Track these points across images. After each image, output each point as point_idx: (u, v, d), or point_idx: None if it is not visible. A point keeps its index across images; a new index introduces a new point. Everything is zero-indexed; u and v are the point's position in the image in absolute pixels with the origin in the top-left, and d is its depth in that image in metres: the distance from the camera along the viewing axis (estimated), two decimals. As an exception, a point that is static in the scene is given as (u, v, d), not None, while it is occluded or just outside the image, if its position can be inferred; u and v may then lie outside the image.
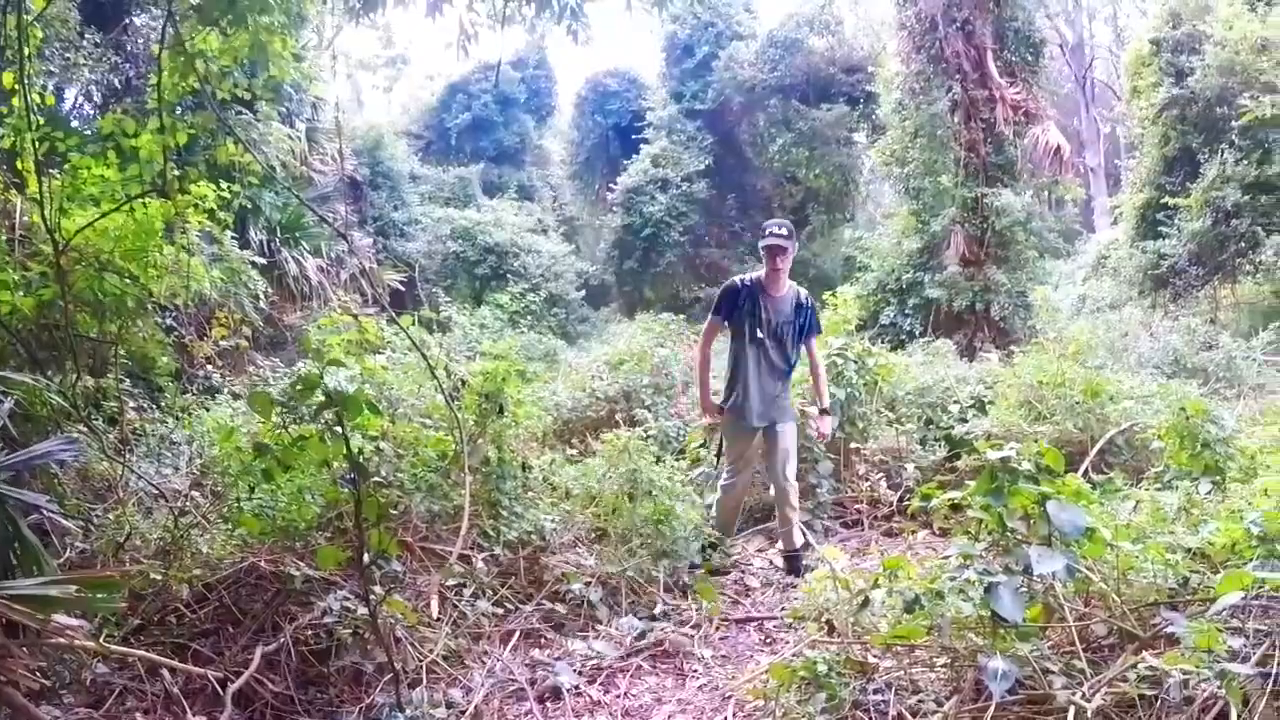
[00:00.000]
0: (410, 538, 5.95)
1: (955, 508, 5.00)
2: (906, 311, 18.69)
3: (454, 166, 32.06)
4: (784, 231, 7.20)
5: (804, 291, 7.47)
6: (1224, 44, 18.83)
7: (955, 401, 9.61)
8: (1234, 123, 18.65)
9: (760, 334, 7.18)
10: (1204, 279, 19.53)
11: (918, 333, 17.74)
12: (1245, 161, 18.82)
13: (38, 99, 7.01)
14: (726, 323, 7.36)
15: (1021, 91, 18.93)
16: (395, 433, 6.22)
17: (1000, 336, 16.76)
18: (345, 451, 4.33)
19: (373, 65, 46.04)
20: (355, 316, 7.11)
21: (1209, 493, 6.02)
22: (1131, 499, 5.82)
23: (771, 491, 7.63)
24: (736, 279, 7.46)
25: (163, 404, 8.24)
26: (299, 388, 4.28)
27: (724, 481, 7.47)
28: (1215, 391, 11.65)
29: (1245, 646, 3.60)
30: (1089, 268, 25.16)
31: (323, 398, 4.25)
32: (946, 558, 4.49)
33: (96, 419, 6.66)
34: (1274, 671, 3.49)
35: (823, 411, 7.70)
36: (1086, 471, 7.76)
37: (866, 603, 4.84)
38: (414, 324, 7.49)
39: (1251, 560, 4.20)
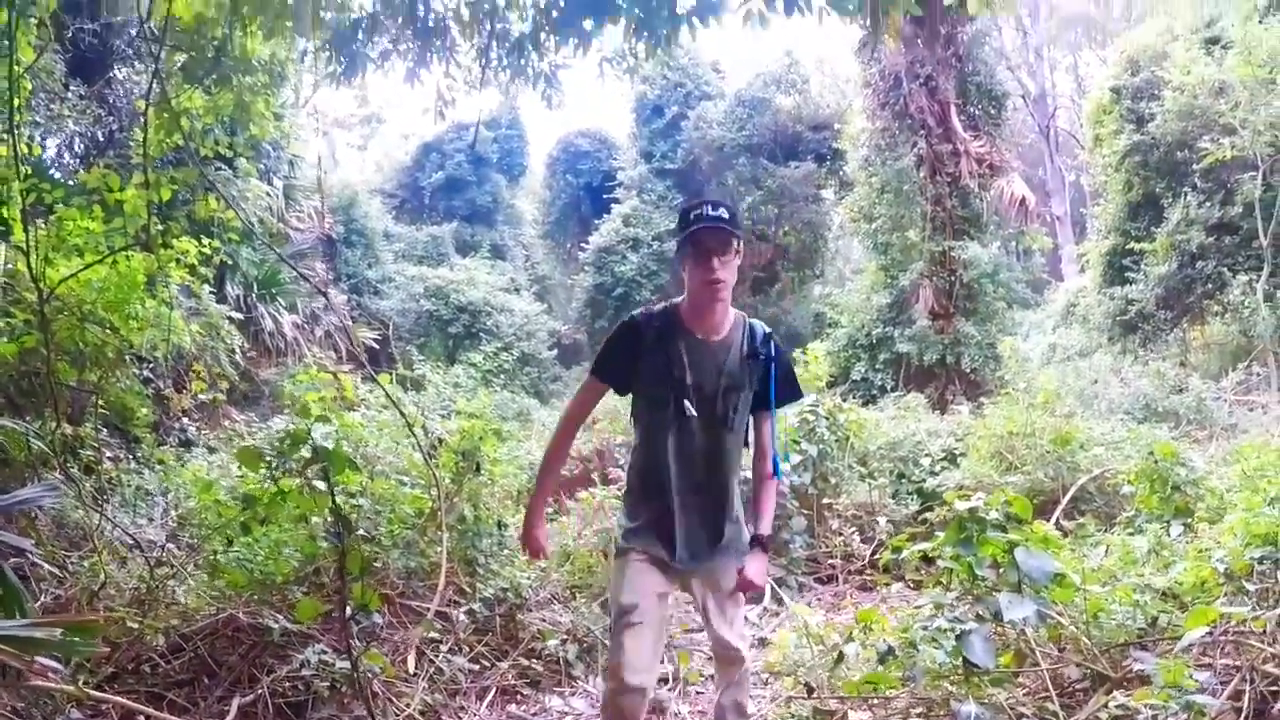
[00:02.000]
0: (388, 593, 5.96)
1: (927, 560, 5.08)
2: (877, 367, 18.85)
3: (427, 225, 32.20)
4: (725, 214, 3.90)
5: (761, 325, 4.18)
6: (1182, 89, 19.03)
7: (926, 455, 9.73)
8: (1195, 166, 18.80)
9: (688, 408, 3.97)
10: (1173, 322, 19.64)
11: (889, 387, 17.89)
12: (1208, 203, 18.98)
13: (25, 149, 7.11)
14: (628, 388, 4.14)
15: (985, 144, 19.23)
16: (373, 489, 6.25)
17: (971, 389, 16.92)
18: (330, 505, 4.38)
19: (348, 123, 46.25)
20: (334, 374, 7.16)
21: (1180, 535, 6.10)
22: (1102, 544, 5.90)
23: (714, 670, 4.54)
24: (638, 313, 4.15)
25: (139, 455, 8.26)
26: (287, 442, 4.35)
27: (608, 660, 4.02)
28: (1187, 434, 11.75)
29: (1214, 681, 3.68)
30: (1058, 316, 25.25)
31: (309, 453, 4.31)
32: (919, 608, 4.55)
33: (72, 467, 6.69)
34: (1245, 706, 3.57)
35: (756, 541, 4.12)
36: (1058, 520, 7.85)
37: (841, 657, 4.89)
38: (391, 381, 7.54)
39: (1219, 598, 4.30)
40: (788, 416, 8.91)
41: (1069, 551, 4.91)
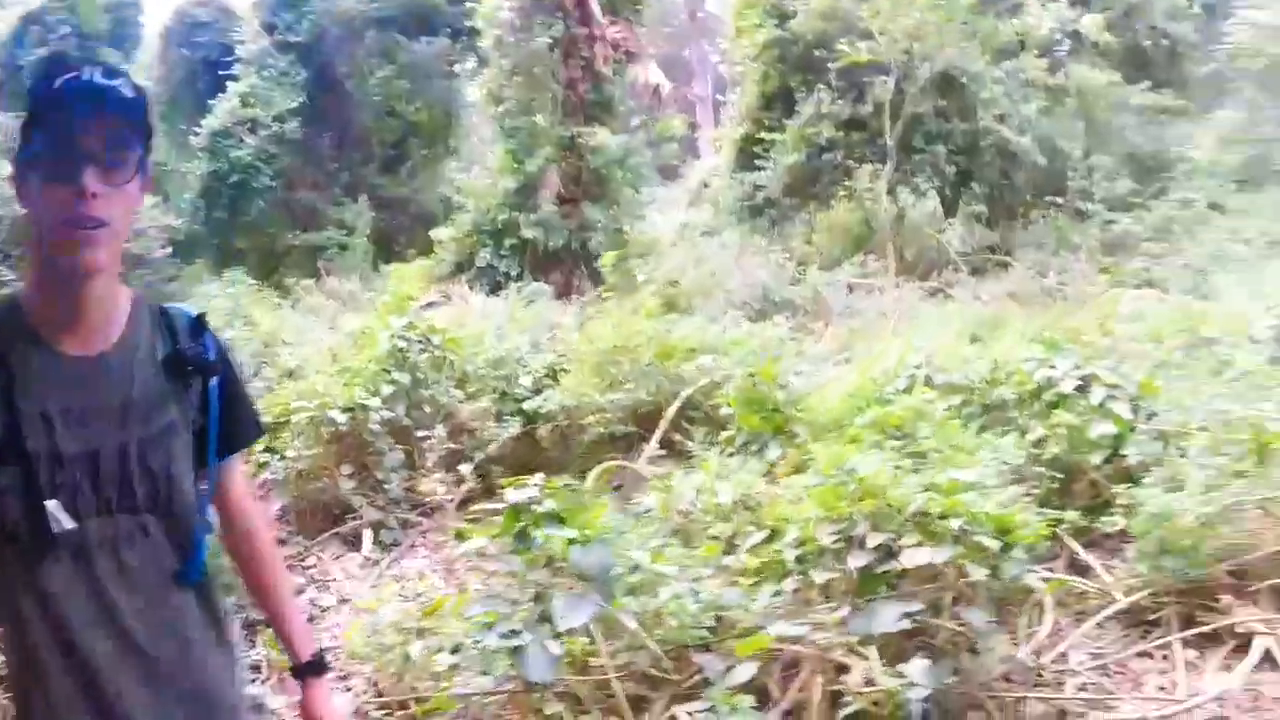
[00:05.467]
0: None
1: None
2: (503, 253, 18.52)
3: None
4: (125, 87, 1.87)
5: (187, 311, 2.15)
6: (827, -9, 19.59)
7: (529, 373, 9.12)
8: (832, 65, 19.41)
9: (60, 519, 1.84)
10: (799, 207, 20.39)
11: (515, 274, 17.58)
12: (840, 101, 19.78)
13: None
14: None
15: (624, 30, 19.27)
16: None
17: (597, 275, 16.81)
18: None
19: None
20: None
21: (780, 457, 6.08)
22: (700, 467, 5.63)
23: None
24: None
25: None
26: None
27: None
28: (802, 325, 12.02)
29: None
30: (692, 193, 25.94)
31: None
32: (471, 618, 3.97)
33: None
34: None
35: (302, 670, 2.30)
36: (664, 437, 7.55)
37: (408, 659, 4.40)
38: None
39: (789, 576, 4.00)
40: (379, 343, 8.22)
41: (640, 527, 4.53)
